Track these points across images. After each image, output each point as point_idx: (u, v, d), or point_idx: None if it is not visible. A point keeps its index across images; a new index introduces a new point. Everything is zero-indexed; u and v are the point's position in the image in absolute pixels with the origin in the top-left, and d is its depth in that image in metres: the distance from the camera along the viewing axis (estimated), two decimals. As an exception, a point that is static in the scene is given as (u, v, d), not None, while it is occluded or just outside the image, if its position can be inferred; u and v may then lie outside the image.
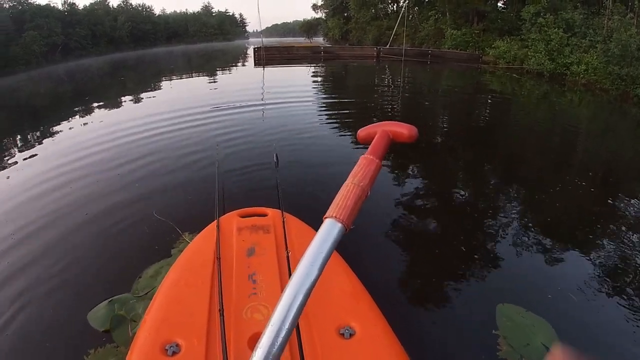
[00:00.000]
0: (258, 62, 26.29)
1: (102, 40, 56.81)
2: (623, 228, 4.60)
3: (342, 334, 1.60)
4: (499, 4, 29.87)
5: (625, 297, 3.27)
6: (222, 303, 1.69)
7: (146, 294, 2.87)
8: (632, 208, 5.29)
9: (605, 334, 2.85)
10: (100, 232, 4.01)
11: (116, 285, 3.03)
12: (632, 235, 4.39)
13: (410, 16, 33.65)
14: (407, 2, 33.37)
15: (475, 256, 3.84)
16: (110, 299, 2.87)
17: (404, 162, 6.70)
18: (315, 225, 2.57)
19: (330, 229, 0.63)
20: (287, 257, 2.03)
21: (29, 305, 2.90)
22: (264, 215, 2.52)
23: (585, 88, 17.11)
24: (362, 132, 0.82)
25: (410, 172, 6.32)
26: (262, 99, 12.64)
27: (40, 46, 43.00)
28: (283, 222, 2.36)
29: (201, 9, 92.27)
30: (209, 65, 30.37)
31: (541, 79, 19.45)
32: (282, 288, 1.75)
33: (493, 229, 4.43)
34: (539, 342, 2.60)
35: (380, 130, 0.78)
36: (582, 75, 17.85)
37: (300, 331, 1.57)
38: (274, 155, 3.68)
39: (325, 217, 0.64)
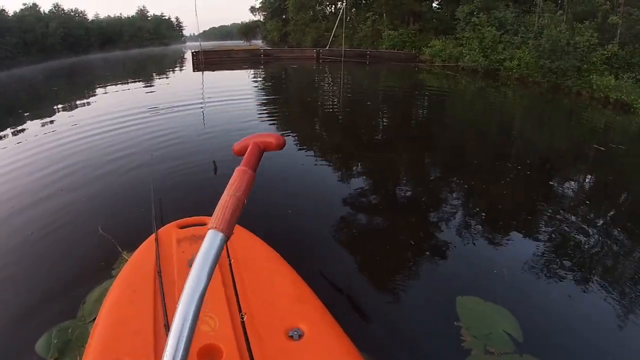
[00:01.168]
0: (196, 67, 25.22)
1: (34, 48, 52.84)
2: (561, 210, 4.83)
3: (291, 336, 1.59)
4: (434, 5, 30.58)
5: (573, 273, 3.45)
6: (167, 318, 1.66)
7: (93, 319, 2.70)
8: (568, 190, 5.68)
9: (561, 313, 2.96)
10: (41, 254, 3.73)
11: (62, 311, 2.87)
12: (570, 215, 4.70)
13: (349, 17, 33.64)
14: (345, 3, 33.30)
15: (426, 250, 3.83)
16: (58, 326, 2.72)
17: (348, 160, 6.73)
18: (257, 230, 2.48)
19: (213, 238, 0.68)
20: (230, 264, 2.01)
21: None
22: (204, 224, 2.45)
23: (519, 82, 17.60)
24: (236, 146, 0.85)
25: (353, 170, 6.29)
26: (201, 105, 11.89)
27: (-34, 57, 39.59)
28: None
29: (136, 13, 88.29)
30: (146, 71, 28.57)
31: (476, 75, 19.87)
32: (227, 297, 1.79)
33: (441, 221, 4.42)
34: (500, 330, 2.63)
35: (252, 143, 0.83)
36: (515, 70, 18.37)
37: (249, 337, 1.56)
38: (213, 162, 3.84)
39: (208, 229, 0.69)
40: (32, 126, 9.96)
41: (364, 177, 5.93)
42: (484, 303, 2.89)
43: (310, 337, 1.60)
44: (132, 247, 3.39)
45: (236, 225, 2.14)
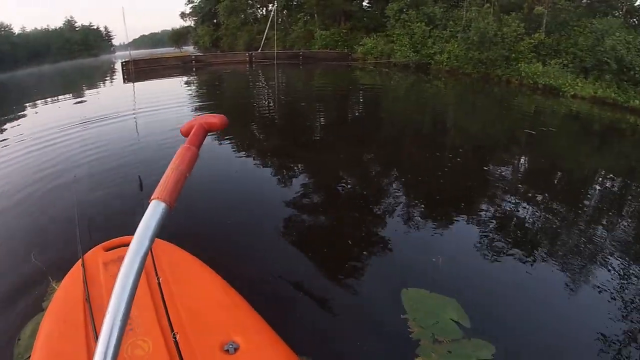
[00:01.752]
0: (127, 77, 23.58)
1: (-44, 66, 48.99)
2: (498, 194, 5.00)
3: (227, 350, 1.57)
4: (364, 3, 30.51)
5: (512, 255, 3.51)
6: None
7: (29, 357, 2.45)
8: (503, 175, 5.79)
9: (503, 294, 3.03)
10: None
11: None
12: (506, 198, 4.83)
13: (280, 19, 33.18)
14: (276, 5, 32.77)
15: (367, 246, 3.74)
16: None
17: (285, 163, 6.47)
18: (187, 245, 2.42)
19: (155, 208, 0.68)
20: (159, 283, 1.93)
21: None
22: (129, 244, 1.46)
23: (449, 74, 17.66)
24: (183, 127, 0.89)
25: (291, 172, 6.02)
26: (132, 116, 10.85)
27: None
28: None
29: (63, 24, 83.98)
30: (75, 85, 26.41)
31: (408, 70, 19.87)
32: (158, 318, 1.81)
33: (380, 217, 4.37)
34: (447, 318, 2.64)
35: (197, 124, 0.86)
36: (445, 64, 18.46)
37: (183, 355, 1.52)
38: (138, 177, 3.64)
39: (150, 199, 0.69)
40: None
41: (302, 178, 5.72)
42: (428, 294, 2.89)
43: (246, 349, 1.59)
44: (61, 274, 3.01)
45: (163, 241, 2.40)
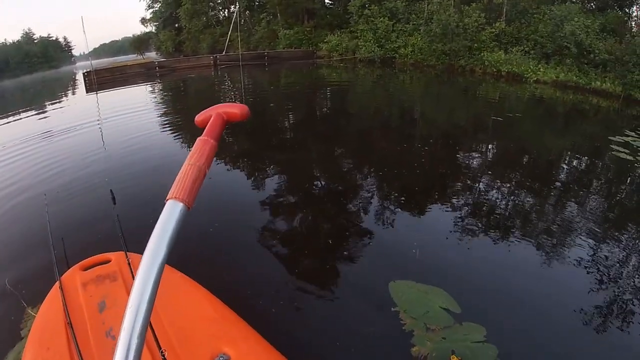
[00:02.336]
0: (89, 88, 22.89)
1: None
2: (470, 179, 5.07)
3: None
4: (327, 1, 30.44)
5: (490, 238, 3.61)
6: None
7: None
8: (473, 161, 5.88)
9: (488, 277, 3.10)
10: None
11: None
12: (479, 182, 4.95)
13: (243, 20, 32.82)
14: (238, 7, 32.45)
15: (349, 244, 3.72)
16: None
17: (257, 165, 6.44)
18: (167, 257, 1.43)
19: (172, 209, 0.62)
20: None
21: None
22: (107, 261, 2.35)
23: (414, 67, 17.74)
24: (198, 117, 0.81)
25: (265, 175, 5.94)
26: (97, 127, 10.38)
27: None
28: (129, 264, 2.21)
29: (21, 37, 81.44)
30: (36, 98, 25.64)
31: (373, 65, 19.90)
32: None
33: (356, 212, 4.36)
34: (437, 307, 2.69)
35: (214, 113, 0.80)
36: (409, 57, 18.56)
37: None
38: (110, 191, 3.19)
39: (167, 199, 0.64)
40: None
41: (276, 179, 5.65)
42: (415, 284, 2.92)
43: (237, 359, 1.59)
44: (38, 299, 2.94)
45: (140, 255, 1.69)
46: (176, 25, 45.42)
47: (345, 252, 3.55)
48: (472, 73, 14.65)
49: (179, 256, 2.40)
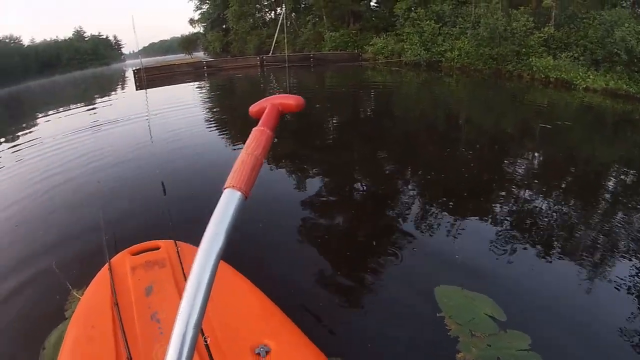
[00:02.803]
0: (139, 85, 24.02)
1: (-35, 79, 50.01)
2: (517, 187, 5.01)
3: (258, 354, 1.57)
4: (372, 3, 30.66)
5: (536, 248, 3.54)
6: (129, 351, 1.60)
7: None
8: (521, 169, 5.83)
9: (534, 286, 3.02)
10: None
11: None
12: (526, 191, 4.90)
13: (289, 22, 33.46)
14: (284, 9, 33.05)
15: (394, 246, 3.68)
16: None
17: (303, 165, 6.54)
18: None
19: (230, 197, 0.63)
20: None
21: None
22: (157, 248, 2.43)
23: (461, 71, 17.81)
24: (253, 107, 0.83)
25: (310, 174, 6.07)
26: (147, 122, 11.17)
27: None
28: (177, 252, 2.29)
29: (73, 34, 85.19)
30: (87, 94, 26.80)
31: (419, 68, 19.99)
32: None
33: (398, 215, 4.34)
34: (483, 315, 2.66)
35: (269, 104, 0.81)
36: (456, 60, 18.58)
37: (213, 356, 1.53)
38: (162, 182, 3.44)
39: (225, 188, 0.65)
40: None
41: (322, 180, 5.73)
42: (460, 290, 2.89)
43: (277, 352, 1.59)
44: (83, 282, 3.15)
45: (190, 245, 2.41)
46: (224, 26, 46.52)
47: (389, 255, 3.55)
48: (520, 78, 14.55)
49: (227, 248, 2.78)
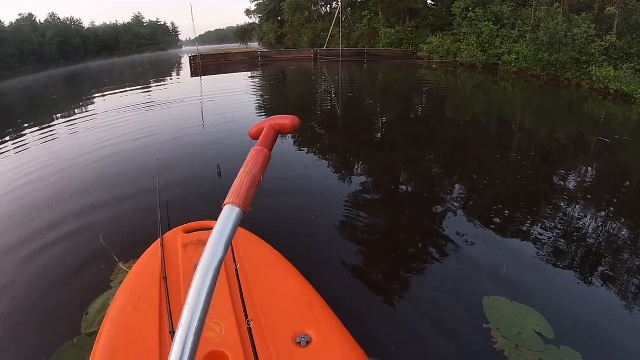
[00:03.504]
0: (194, 71, 25.19)
1: (31, 58, 53.17)
2: (566, 201, 4.88)
3: (299, 343, 1.57)
4: (429, 1, 30.51)
5: (588, 265, 3.52)
6: (172, 324, 1.64)
7: (97, 330, 2.55)
8: (571, 182, 5.65)
9: (585, 304, 2.97)
10: (37, 269, 3.60)
11: (62, 328, 2.76)
12: (575, 206, 4.75)
13: (345, 17, 33.66)
14: (340, 3, 33.33)
15: (436, 250, 3.70)
16: (64, 345, 2.60)
17: (352, 160, 6.65)
18: (263, 235, 2.50)
19: (229, 213, 0.68)
20: (236, 270, 1.97)
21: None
22: (209, 228, 2.40)
23: (517, 76, 17.62)
24: (252, 129, 0.87)
25: (358, 171, 6.18)
26: (202, 108, 12.10)
27: (-38, 69, 39.74)
28: None
29: (132, 19, 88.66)
30: (144, 77, 28.22)
31: (475, 70, 19.93)
32: (233, 303, 1.78)
33: (445, 220, 4.31)
34: (530, 329, 2.60)
35: (267, 125, 0.84)
36: (513, 64, 18.40)
37: (256, 344, 1.54)
38: (217, 166, 3.70)
39: (224, 205, 0.69)
40: (39, 133, 10.07)
41: (368, 177, 5.84)
42: (510, 302, 2.85)
43: (318, 343, 1.59)
44: (129, 255, 3.44)
45: (242, 229, 2.44)
46: (279, 18, 47.31)
47: (433, 260, 3.53)
48: (578, 87, 14.33)
49: (276, 235, 2.85)
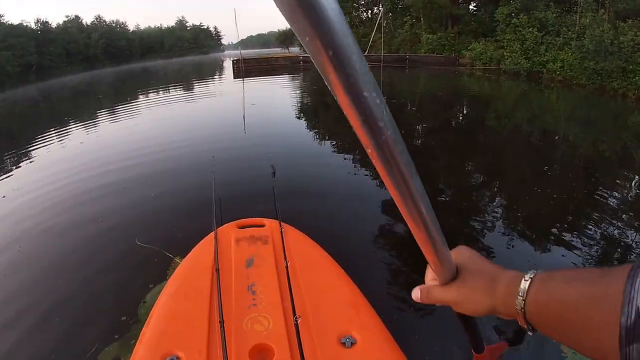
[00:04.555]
0: (237, 74, 26.15)
1: (77, 58, 56.17)
2: (605, 217, 4.71)
3: (344, 343, 1.60)
4: (471, 7, 30.47)
5: None
6: (222, 314, 1.66)
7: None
8: (613, 197, 5.42)
9: None
10: (98, 265, 3.79)
11: (120, 316, 2.90)
12: (615, 222, 4.58)
13: (386, 22, 33.82)
14: (382, 9, 33.54)
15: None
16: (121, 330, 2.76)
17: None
18: (313, 234, 2.55)
19: None
20: (286, 267, 2.02)
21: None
22: (262, 225, 2.54)
23: (562, 84, 17.40)
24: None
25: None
26: (248, 109, 12.71)
27: (14, 67, 42.30)
28: (281, 232, 2.35)
29: (175, 23, 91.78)
30: (188, 79, 29.70)
31: (518, 78, 19.75)
32: (282, 299, 1.81)
33: (481, 232, 4.40)
34: None
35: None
36: (558, 73, 18.22)
37: (302, 340, 1.55)
38: (271, 165, 3.62)
39: None
40: (79, 135, 10.89)
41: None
42: None
43: (362, 345, 1.60)
44: (184, 251, 3.39)
45: (293, 228, 2.61)
46: (320, 23, 47.58)
47: None
48: (624, 98, 14.07)
49: (323, 236, 2.82)
